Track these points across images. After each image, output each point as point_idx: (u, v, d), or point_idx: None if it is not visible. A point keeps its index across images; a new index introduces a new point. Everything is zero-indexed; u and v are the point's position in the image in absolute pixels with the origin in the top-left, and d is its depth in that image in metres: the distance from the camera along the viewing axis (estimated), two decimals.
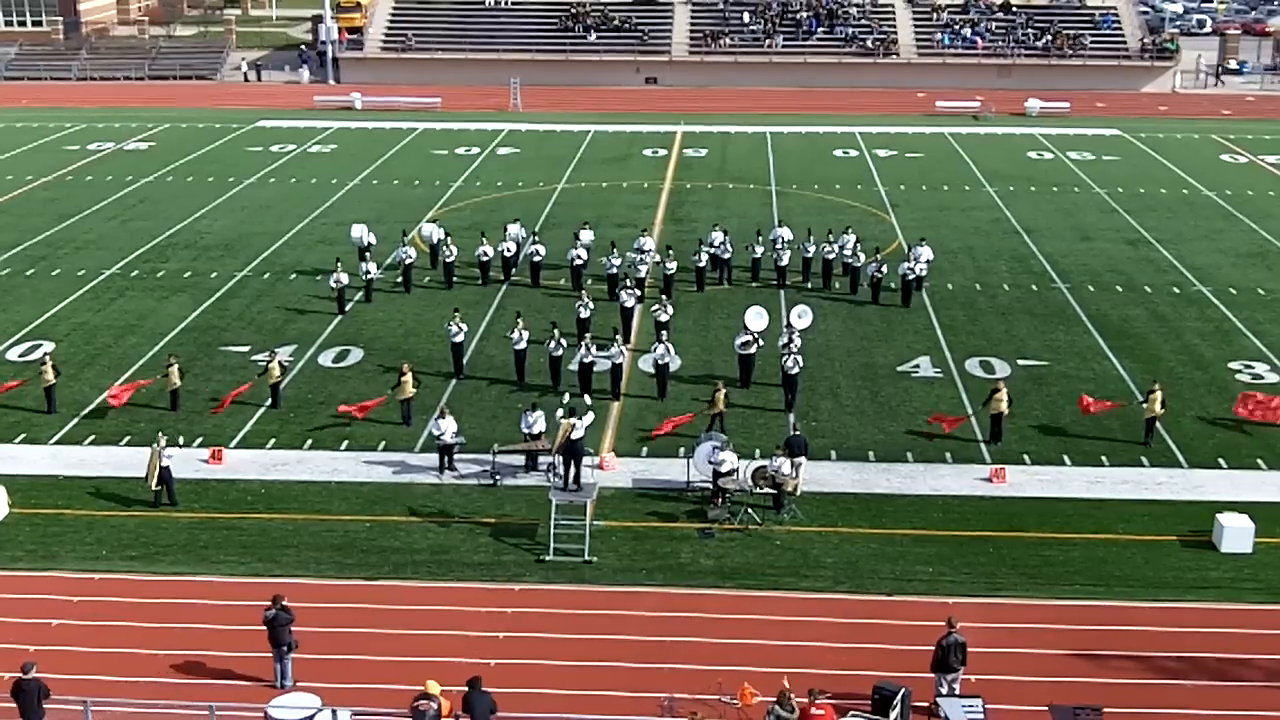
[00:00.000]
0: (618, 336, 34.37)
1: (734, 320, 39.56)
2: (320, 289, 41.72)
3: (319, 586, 25.21)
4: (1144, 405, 31.71)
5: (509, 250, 43.75)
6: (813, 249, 43.12)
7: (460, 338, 35.31)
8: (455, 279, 43.10)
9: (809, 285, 42.84)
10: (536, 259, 43.14)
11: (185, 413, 33.11)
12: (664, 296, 38.41)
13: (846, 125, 72.00)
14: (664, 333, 35.14)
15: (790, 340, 33.89)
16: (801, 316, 36.46)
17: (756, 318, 36.05)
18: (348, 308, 40.58)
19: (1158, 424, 31.48)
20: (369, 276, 41.59)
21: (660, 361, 33.83)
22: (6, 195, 56.15)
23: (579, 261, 42.41)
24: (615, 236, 47.58)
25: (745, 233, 45.99)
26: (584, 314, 36.78)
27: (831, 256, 42.77)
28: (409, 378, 32.39)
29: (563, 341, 34.12)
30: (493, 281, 43.10)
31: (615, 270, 41.32)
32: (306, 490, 29.31)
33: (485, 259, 43.18)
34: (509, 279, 43.38)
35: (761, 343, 34.88)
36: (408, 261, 42.65)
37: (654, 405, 33.52)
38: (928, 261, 42.21)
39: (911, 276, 41.20)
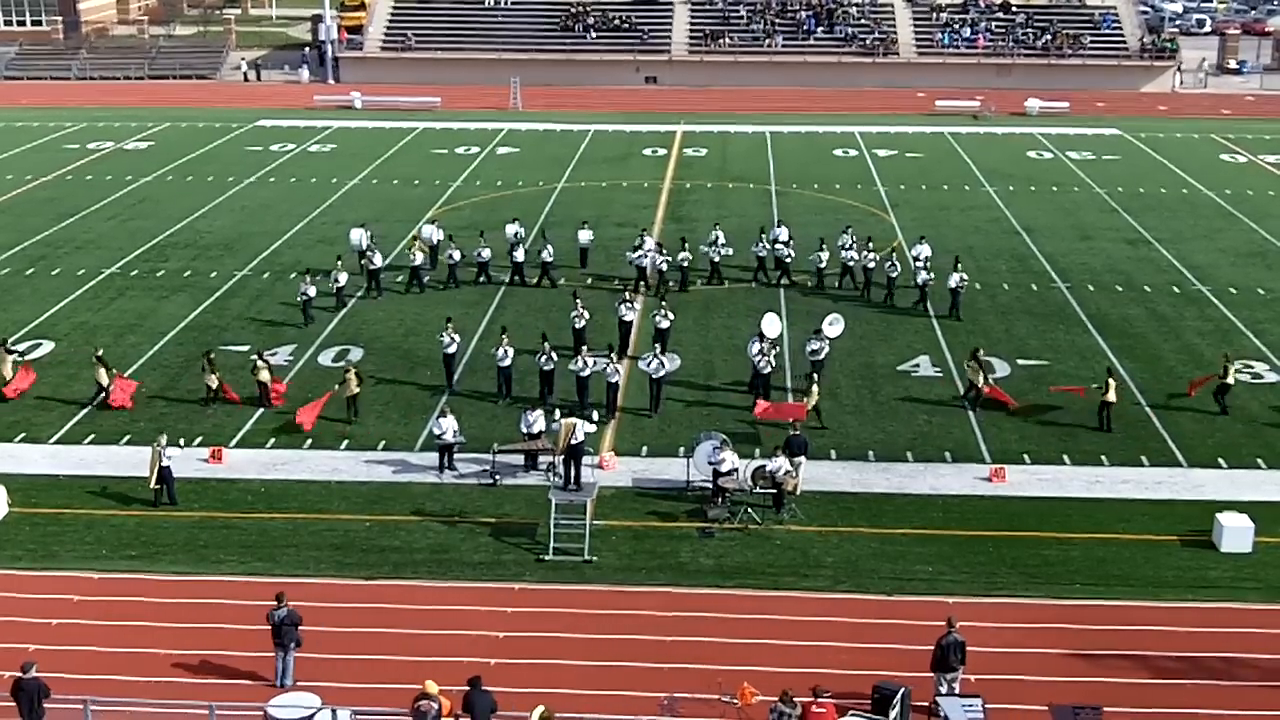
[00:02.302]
0: (613, 355, 33.31)
1: (734, 320, 39.66)
2: (321, 287, 41.63)
3: (319, 586, 25.20)
4: (1099, 388, 32.33)
5: (482, 255, 43.05)
6: (855, 257, 42.30)
7: (453, 349, 34.44)
8: (424, 283, 42.64)
9: (810, 285, 42.80)
10: (519, 259, 43.05)
11: (186, 411, 33.16)
12: (662, 304, 37.16)
13: (846, 125, 72.00)
14: (659, 345, 34.46)
15: (819, 347, 33.98)
16: (833, 324, 35.72)
17: (771, 324, 35.35)
18: (344, 309, 40.65)
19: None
20: (338, 286, 40.68)
21: (655, 375, 32.92)
22: (6, 195, 56.14)
23: (548, 259, 42.81)
24: (616, 236, 47.75)
25: (749, 232, 45.96)
26: (579, 324, 35.97)
27: (873, 266, 41.81)
28: (353, 375, 32.73)
29: (553, 356, 33.26)
30: (465, 283, 42.75)
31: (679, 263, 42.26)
32: (306, 490, 29.31)
33: (452, 262, 42.83)
34: (497, 281, 43.12)
35: (778, 349, 34.65)
36: (371, 267, 42.07)
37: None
38: (927, 259, 42.19)
39: (964, 287, 40.33)
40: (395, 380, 35.19)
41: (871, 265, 42.10)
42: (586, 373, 32.68)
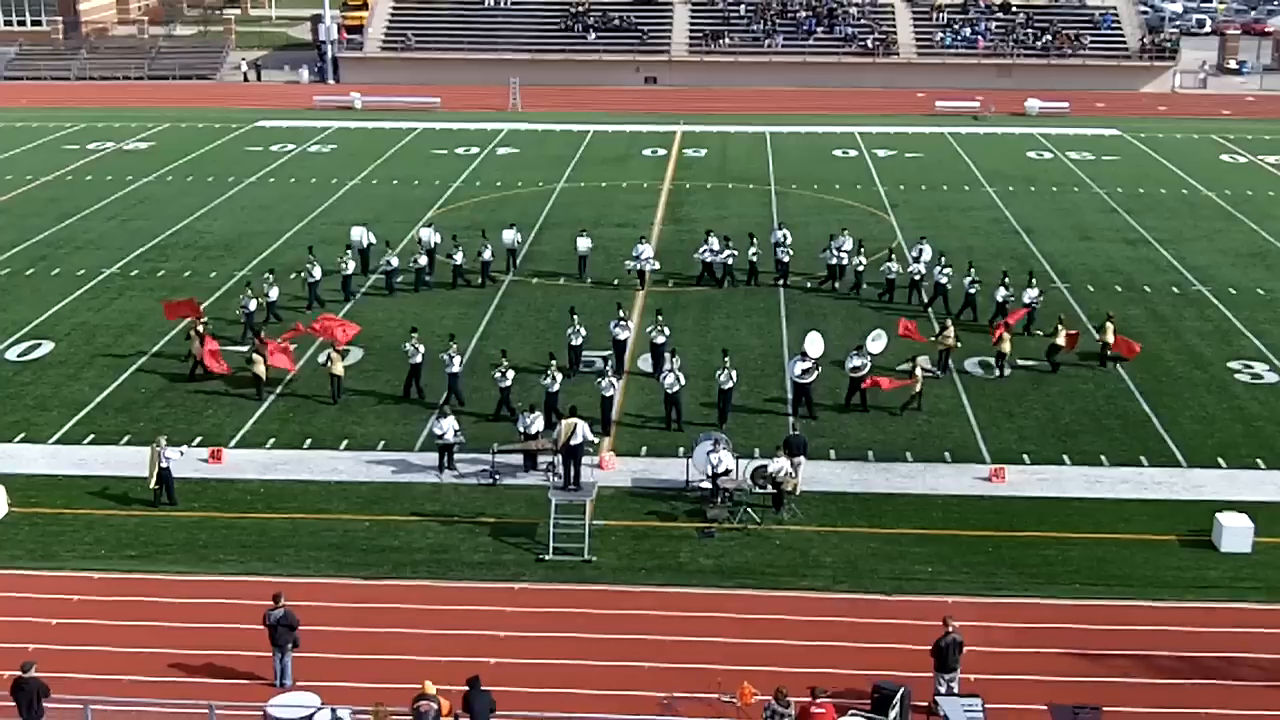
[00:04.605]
0: (609, 367, 32.80)
1: (734, 321, 39.68)
2: (320, 287, 41.63)
3: (319, 586, 25.22)
4: (995, 346, 35.14)
5: (484, 255, 42.94)
6: (922, 269, 41.56)
7: (418, 359, 33.75)
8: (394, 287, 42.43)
9: (806, 286, 42.81)
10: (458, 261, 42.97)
11: (185, 412, 33.20)
12: (659, 318, 36.13)
13: (846, 125, 71.98)
14: (672, 360, 33.66)
15: (861, 363, 33.47)
16: (876, 340, 34.74)
17: (814, 344, 33.93)
18: (354, 306, 40.66)
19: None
20: (268, 301, 39.41)
21: (670, 391, 32.14)
22: (6, 195, 56.13)
23: (488, 259, 42.89)
24: (616, 237, 47.76)
25: (746, 233, 45.95)
26: (575, 342, 35.08)
27: (949, 281, 40.57)
28: (337, 357, 33.74)
29: (508, 375, 32.33)
30: (461, 285, 42.81)
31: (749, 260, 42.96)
32: (306, 490, 29.32)
33: (389, 268, 42.38)
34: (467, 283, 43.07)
35: (820, 370, 33.94)
36: (345, 272, 41.62)
37: (654, 400, 33.10)
38: (926, 261, 42.13)
39: (1039, 303, 39.15)
40: (395, 383, 35.16)
41: (948, 279, 40.75)
42: (555, 388, 31.88)
